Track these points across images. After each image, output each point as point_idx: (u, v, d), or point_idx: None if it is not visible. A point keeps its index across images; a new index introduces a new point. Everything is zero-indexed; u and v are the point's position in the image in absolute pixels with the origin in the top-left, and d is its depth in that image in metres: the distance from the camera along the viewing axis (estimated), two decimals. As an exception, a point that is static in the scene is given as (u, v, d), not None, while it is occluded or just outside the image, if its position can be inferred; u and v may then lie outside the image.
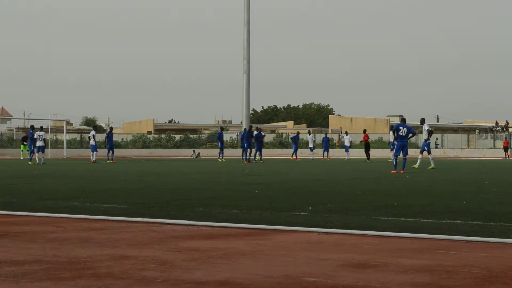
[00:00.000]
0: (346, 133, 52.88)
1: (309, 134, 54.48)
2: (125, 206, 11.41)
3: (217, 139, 50.07)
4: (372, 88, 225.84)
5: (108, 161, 42.43)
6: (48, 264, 5.84)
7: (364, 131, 51.36)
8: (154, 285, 5.01)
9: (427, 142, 30.55)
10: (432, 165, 30.30)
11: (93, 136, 43.24)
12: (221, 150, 47.26)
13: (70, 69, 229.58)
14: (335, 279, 5.24)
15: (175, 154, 74.46)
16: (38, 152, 40.11)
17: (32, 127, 42.26)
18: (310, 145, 52.98)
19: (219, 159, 46.90)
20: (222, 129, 51.09)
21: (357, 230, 8.10)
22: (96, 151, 43.02)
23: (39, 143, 39.97)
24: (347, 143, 51.75)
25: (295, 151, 51.05)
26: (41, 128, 41.82)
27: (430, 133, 30.23)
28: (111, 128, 47.27)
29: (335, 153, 67.76)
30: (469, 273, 5.51)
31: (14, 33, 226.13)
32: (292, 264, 5.89)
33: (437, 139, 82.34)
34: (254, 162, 41.92)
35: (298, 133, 54.66)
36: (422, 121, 31.00)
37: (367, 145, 48.84)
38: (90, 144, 43.11)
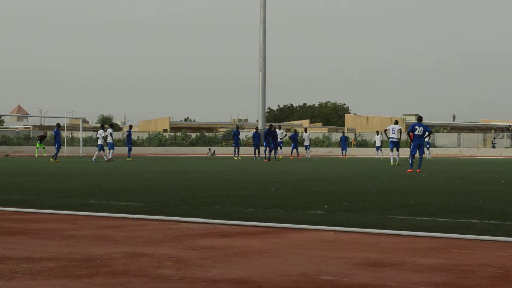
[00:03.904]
0: (377, 132, 52.39)
1: (305, 132, 54.23)
2: (141, 204, 11.45)
3: (232, 137, 50.02)
4: (389, 87, 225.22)
5: (129, 159, 42.57)
6: (65, 262, 5.87)
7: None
8: (170, 283, 5.02)
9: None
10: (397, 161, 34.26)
11: (110, 134, 43.24)
12: (237, 148, 47.31)
13: (86, 68, 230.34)
14: (350, 278, 5.23)
15: (191, 152, 74.57)
16: (99, 150, 40.19)
17: (58, 125, 42.39)
18: (306, 143, 52.68)
19: (234, 157, 46.95)
20: (238, 127, 51.13)
21: (373, 229, 8.09)
22: (113, 148, 42.93)
23: (100, 142, 40.08)
24: (378, 143, 51.28)
25: (294, 148, 51.10)
26: (102, 127, 41.72)
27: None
28: (131, 126, 47.35)
29: (351, 151, 67.65)
30: (486, 272, 5.49)
31: (31, 32, 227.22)
32: (308, 263, 5.89)
33: (494, 138, 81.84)
34: (275, 160, 41.96)
35: (296, 131, 54.69)
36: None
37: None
38: (108, 142, 42.73)
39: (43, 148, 57.40)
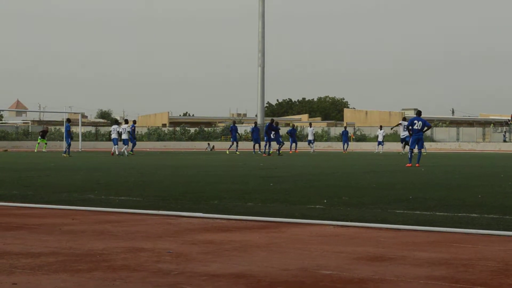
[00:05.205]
0: (381, 127, 52.46)
1: (310, 127, 54.44)
2: (140, 198, 11.45)
3: (230, 132, 50.06)
4: (387, 82, 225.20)
5: (131, 153, 42.67)
6: (64, 256, 5.87)
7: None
8: (169, 278, 5.02)
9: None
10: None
11: (118, 130, 43.62)
12: (234, 143, 47.28)
13: (85, 63, 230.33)
14: (350, 272, 5.23)
15: (190, 147, 74.54)
16: (125, 145, 40.87)
17: (68, 120, 42.49)
18: (310, 138, 52.82)
19: (237, 152, 46.95)
20: (234, 122, 51.13)
21: (372, 223, 8.09)
22: (118, 144, 43.10)
23: (124, 136, 40.68)
24: (380, 138, 51.33)
25: (292, 143, 51.14)
26: (126, 121, 42.28)
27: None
28: (135, 121, 47.40)
29: (350, 146, 67.61)
30: (485, 266, 5.50)
31: (30, 28, 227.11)
32: (308, 257, 5.89)
33: (505, 132, 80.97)
34: (277, 155, 41.95)
35: (294, 125, 54.82)
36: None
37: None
38: (124, 138, 42.35)
39: (45, 143, 57.18)
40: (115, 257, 5.84)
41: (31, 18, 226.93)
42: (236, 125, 49.43)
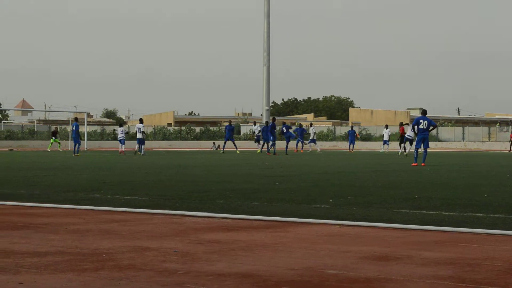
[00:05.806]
0: (386, 126, 52.50)
1: (311, 126, 54.61)
2: (146, 198, 11.45)
3: (225, 131, 50.17)
4: (393, 81, 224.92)
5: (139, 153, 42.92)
6: (71, 256, 5.88)
7: (401, 124, 50.71)
8: (175, 277, 5.03)
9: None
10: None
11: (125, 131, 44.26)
12: (228, 142, 47.27)
13: (91, 62, 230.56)
14: (356, 272, 5.23)
15: (195, 146, 74.61)
16: (138, 144, 41.58)
17: (76, 119, 42.73)
18: (311, 137, 53.00)
19: (220, 151, 47.18)
20: (230, 122, 51.26)
21: (378, 222, 8.09)
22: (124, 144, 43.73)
23: (138, 136, 41.28)
24: (386, 137, 51.36)
25: (298, 142, 51.23)
26: (140, 121, 42.85)
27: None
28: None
29: (355, 145, 67.53)
30: (491, 266, 5.49)
31: (35, 28, 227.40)
32: (313, 257, 5.89)
33: None
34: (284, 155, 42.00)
35: (300, 125, 54.89)
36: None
37: (403, 137, 48.26)
38: (138, 138, 42.55)
39: (59, 143, 57.09)
40: (121, 257, 5.84)
41: (36, 19, 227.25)
42: (232, 125, 49.47)
